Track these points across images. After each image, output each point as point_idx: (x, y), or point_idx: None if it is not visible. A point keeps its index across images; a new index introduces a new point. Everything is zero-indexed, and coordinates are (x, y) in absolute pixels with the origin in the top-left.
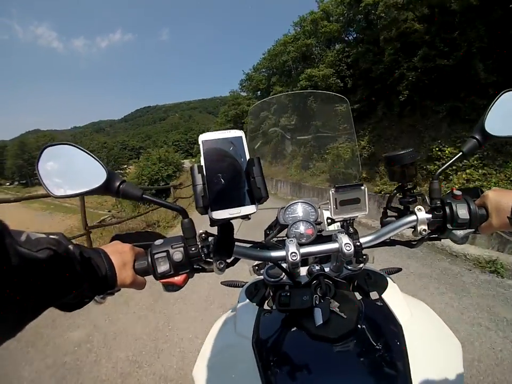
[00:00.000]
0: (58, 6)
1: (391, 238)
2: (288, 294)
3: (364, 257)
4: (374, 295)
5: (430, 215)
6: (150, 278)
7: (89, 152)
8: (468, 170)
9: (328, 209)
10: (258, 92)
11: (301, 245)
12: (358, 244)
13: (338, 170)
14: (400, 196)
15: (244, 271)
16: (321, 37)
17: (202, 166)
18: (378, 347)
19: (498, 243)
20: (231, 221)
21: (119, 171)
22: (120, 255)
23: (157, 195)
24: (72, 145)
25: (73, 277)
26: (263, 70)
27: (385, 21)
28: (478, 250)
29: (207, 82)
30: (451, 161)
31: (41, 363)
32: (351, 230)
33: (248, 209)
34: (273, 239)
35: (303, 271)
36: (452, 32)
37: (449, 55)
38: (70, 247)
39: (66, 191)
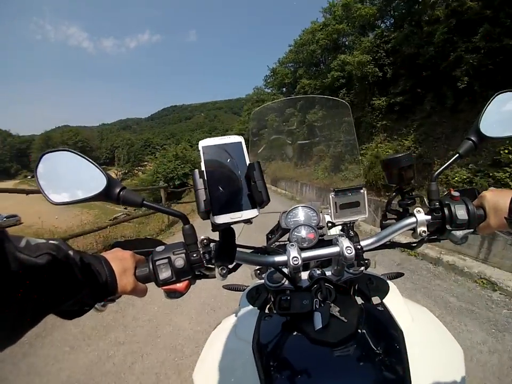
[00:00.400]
0: (89, 8)
1: (392, 240)
2: (289, 298)
3: (366, 261)
4: (375, 299)
5: (429, 217)
6: (151, 286)
7: (89, 159)
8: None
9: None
10: (284, 88)
11: (302, 249)
12: (359, 247)
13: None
14: (399, 199)
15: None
16: (354, 22)
17: (203, 171)
18: (378, 352)
19: None
20: (232, 226)
21: (139, 167)
22: (120, 262)
23: (175, 194)
24: (71, 151)
25: (73, 283)
26: (289, 64)
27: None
28: None
29: (234, 83)
30: (448, 162)
31: None
32: (352, 233)
33: (250, 213)
34: (275, 243)
35: (304, 275)
36: None
37: None
38: (70, 252)
39: (66, 198)
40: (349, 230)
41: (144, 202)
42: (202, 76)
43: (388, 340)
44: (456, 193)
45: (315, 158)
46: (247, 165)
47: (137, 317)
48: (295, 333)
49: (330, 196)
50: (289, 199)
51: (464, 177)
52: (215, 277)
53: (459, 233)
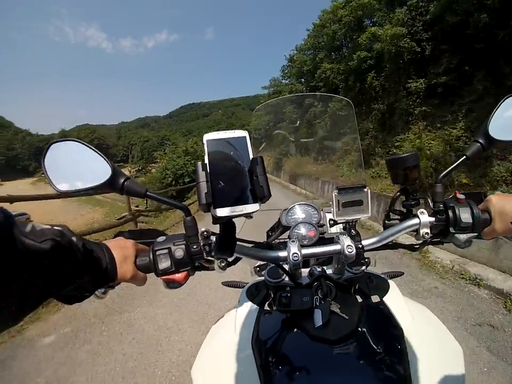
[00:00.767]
0: (107, 8)
1: (394, 241)
2: (289, 294)
3: (366, 260)
4: (375, 298)
5: (433, 219)
6: (151, 275)
7: (95, 149)
8: None
9: (330, 212)
10: (302, 79)
11: (302, 246)
12: (360, 246)
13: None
14: (403, 199)
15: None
16: None
17: (206, 163)
18: (378, 350)
19: None
20: (233, 220)
21: (153, 164)
22: (121, 250)
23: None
24: (78, 141)
25: (75, 268)
26: (308, 51)
27: None
28: None
29: (251, 80)
30: (454, 165)
31: None
32: (353, 232)
33: (251, 207)
34: (275, 240)
35: (305, 272)
36: None
37: None
38: (73, 239)
39: (71, 186)
40: (350, 228)
41: (148, 193)
42: (220, 73)
43: (388, 338)
44: (462, 196)
45: (339, 153)
46: (251, 159)
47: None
48: (294, 330)
49: (334, 194)
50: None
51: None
52: (214, 269)
53: (463, 236)
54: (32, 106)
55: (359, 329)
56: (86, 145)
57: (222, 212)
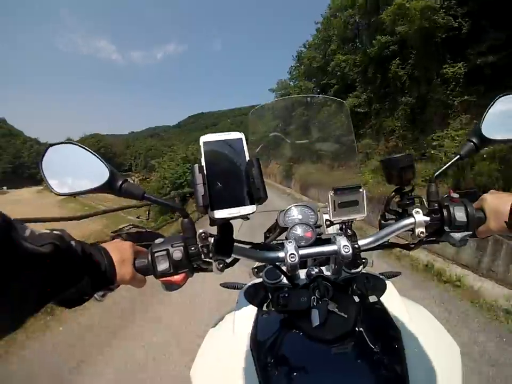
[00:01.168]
0: (117, 22)
1: (390, 241)
2: (287, 295)
3: (363, 260)
4: (372, 298)
5: (428, 218)
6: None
7: (93, 152)
8: None
9: (327, 212)
10: (313, 79)
11: (299, 247)
12: (356, 246)
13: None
14: (398, 199)
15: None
16: None
17: (203, 166)
18: (375, 350)
19: None
20: (231, 221)
21: (155, 173)
22: (119, 252)
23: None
24: (76, 144)
25: (75, 272)
26: (317, 47)
27: None
28: None
29: (260, 88)
30: (448, 164)
31: None
32: (350, 232)
33: (247, 209)
34: (273, 241)
35: (302, 273)
36: None
37: None
38: (72, 243)
39: (69, 189)
40: (347, 228)
41: (145, 195)
42: (229, 83)
43: (385, 337)
44: (456, 195)
45: (360, 156)
46: (247, 161)
47: None
48: (292, 330)
49: (329, 194)
50: None
51: None
52: (212, 271)
53: (457, 235)
54: (44, 116)
55: (357, 329)
56: (84, 148)
57: (219, 214)
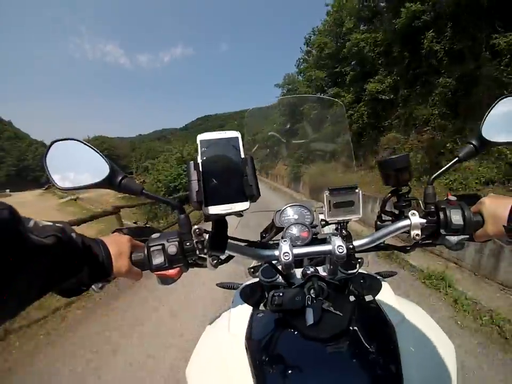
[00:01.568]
0: (124, 25)
1: (385, 242)
2: (281, 294)
3: (359, 260)
4: (368, 298)
5: (424, 220)
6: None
7: (94, 148)
8: None
9: (323, 212)
10: (324, 68)
11: (294, 246)
12: (351, 246)
13: None
14: (395, 200)
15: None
16: None
17: (198, 163)
18: (370, 348)
19: None
20: (225, 218)
21: (148, 174)
22: (117, 245)
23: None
24: (78, 140)
25: (75, 263)
26: (328, 31)
27: None
28: None
29: (266, 90)
30: (447, 166)
31: None
32: (345, 232)
33: (241, 205)
34: (270, 241)
35: (298, 272)
36: None
37: None
38: (73, 235)
39: (71, 183)
40: (342, 229)
41: (144, 191)
42: (235, 85)
43: (380, 336)
44: (453, 198)
45: (386, 153)
46: (241, 159)
47: None
48: (287, 329)
49: (325, 194)
50: None
51: None
52: (207, 267)
53: (454, 238)
54: (52, 120)
55: (351, 327)
56: (85, 144)
57: (213, 209)
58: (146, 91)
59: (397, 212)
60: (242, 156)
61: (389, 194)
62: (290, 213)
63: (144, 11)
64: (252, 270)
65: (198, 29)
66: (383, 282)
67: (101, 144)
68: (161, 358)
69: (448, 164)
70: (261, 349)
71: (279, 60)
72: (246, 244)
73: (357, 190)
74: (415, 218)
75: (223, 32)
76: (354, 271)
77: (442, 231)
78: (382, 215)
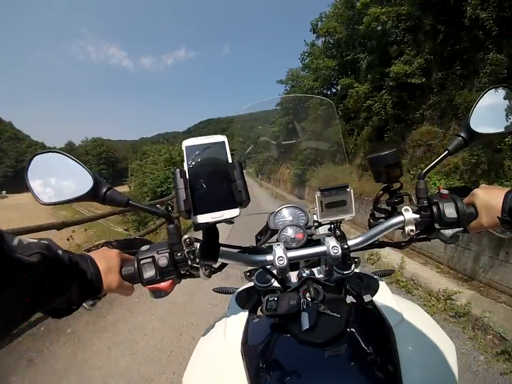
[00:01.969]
0: (127, 28)
1: (380, 239)
2: (276, 298)
3: (355, 260)
4: (366, 298)
5: (418, 215)
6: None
7: (76, 160)
8: None
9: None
10: (335, 61)
11: (289, 249)
12: (346, 246)
13: None
14: (387, 197)
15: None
16: None
17: (185, 170)
18: (368, 350)
19: None
20: (216, 226)
21: (134, 178)
22: (106, 260)
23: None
24: (60, 153)
25: (62, 281)
26: (338, 15)
27: None
28: None
29: (270, 93)
30: (437, 160)
31: None
32: (339, 232)
33: (231, 212)
34: (265, 244)
35: (293, 275)
36: None
37: None
38: (59, 252)
39: (54, 198)
40: (335, 229)
41: (130, 202)
42: (238, 88)
43: (378, 337)
44: (445, 191)
45: (420, 150)
46: (229, 164)
47: None
48: (283, 334)
49: (316, 195)
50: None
51: None
52: (200, 277)
53: (448, 232)
54: (53, 122)
55: (348, 330)
56: (68, 156)
57: (202, 218)
58: (149, 94)
59: (389, 208)
60: (230, 160)
61: (381, 192)
62: (285, 215)
63: (146, 14)
64: (248, 273)
65: (201, 32)
66: (380, 282)
67: (99, 147)
68: None
69: (438, 157)
70: (257, 355)
71: (282, 60)
72: (239, 250)
73: (348, 189)
74: (409, 214)
75: (225, 34)
76: (350, 271)
77: (436, 225)
78: (375, 212)
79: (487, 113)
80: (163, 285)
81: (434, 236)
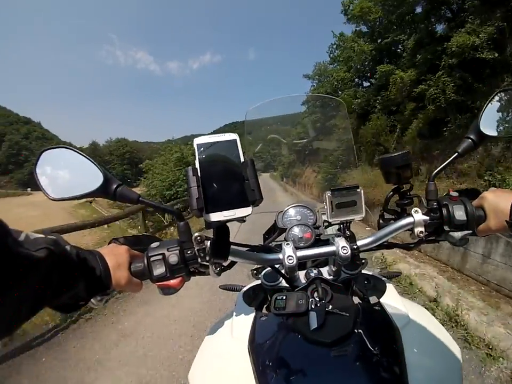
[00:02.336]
0: (153, 33)
1: (389, 241)
2: (284, 297)
3: (363, 261)
4: (372, 299)
5: (427, 217)
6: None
7: (86, 156)
8: None
9: (326, 213)
10: (371, 46)
11: (298, 248)
12: (355, 247)
13: None
14: (397, 198)
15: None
16: None
17: (197, 168)
18: (374, 352)
19: None
20: (227, 224)
21: (143, 179)
22: (115, 257)
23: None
24: (70, 148)
25: (70, 276)
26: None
27: None
28: None
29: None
30: (447, 162)
31: None
32: (348, 233)
33: (243, 211)
34: (272, 243)
35: (301, 274)
36: None
37: None
38: (67, 247)
39: (63, 193)
40: (345, 229)
41: (140, 198)
42: (264, 91)
43: (385, 339)
44: (455, 193)
45: (498, 148)
46: (241, 162)
47: None
48: (291, 333)
49: (326, 195)
50: None
51: None
52: (209, 275)
53: (457, 234)
54: (83, 123)
55: (355, 330)
56: (78, 152)
57: (214, 216)
58: (176, 97)
59: (399, 209)
60: (242, 159)
61: (391, 193)
62: (293, 214)
63: (172, 18)
64: (255, 271)
65: (226, 34)
66: (387, 284)
67: (122, 147)
68: None
69: (448, 159)
70: (264, 353)
71: (310, 60)
72: (248, 248)
73: (358, 190)
74: (418, 216)
75: (251, 37)
76: (357, 271)
77: (445, 227)
78: (385, 213)
79: (497, 116)
80: (172, 282)
81: (443, 238)
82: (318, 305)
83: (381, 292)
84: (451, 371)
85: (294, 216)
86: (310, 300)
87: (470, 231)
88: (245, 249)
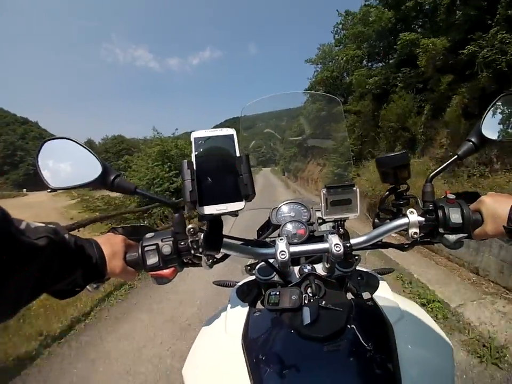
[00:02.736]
0: (152, 31)
1: (383, 240)
2: (278, 293)
3: (356, 258)
4: (365, 295)
5: (422, 218)
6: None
7: (86, 147)
8: None
9: (320, 210)
10: (390, 14)
11: (291, 244)
12: (348, 244)
13: None
14: (393, 199)
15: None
16: None
17: (192, 162)
18: (367, 347)
19: None
20: (221, 217)
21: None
22: (111, 245)
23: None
24: (71, 139)
25: (68, 264)
26: None
27: None
28: None
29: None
30: (445, 164)
31: None
32: (342, 231)
33: (236, 205)
34: (266, 239)
35: (295, 270)
36: None
37: None
38: (66, 236)
39: (63, 183)
40: (339, 227)
41: (137, 190)
42: (265, 86)
43: (377, 335)
44: (452, 196)
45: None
46: (237, 157)
47: None
48: (284, 328)
49: (322, 192)
50: None
51: None
52: (202, 266)
53: (452, 237)
54: (80, 122)
55: (348, 326)
56: (78, 143)
57: (207, 209)
58: (176, 94)
59: (395, 209)
60: (238, 154)
61: (387, 192)
62: (287, 210)
63: (171, 15)
64: (249, 267)
65: (226, 31)
66: (380, 279)
67: (118, 144)
68: None
69: (447, 161)
70: (257, 349)
71: (312, 53)
72: (241, 242)
73: (354, 188)
74: (413, 217)
75: (251, 33)
76: (351, 268)
77: (440, 230)
78: (380, 213)
79: (500, 119)
80: (165, 272)
81: (438, 240)
82: (312, 300)
83: (374, 287)
84: (443, 365)
85: (288, 213)
86: (304, 295)
87: (465, 234)
88: (238, 242)
